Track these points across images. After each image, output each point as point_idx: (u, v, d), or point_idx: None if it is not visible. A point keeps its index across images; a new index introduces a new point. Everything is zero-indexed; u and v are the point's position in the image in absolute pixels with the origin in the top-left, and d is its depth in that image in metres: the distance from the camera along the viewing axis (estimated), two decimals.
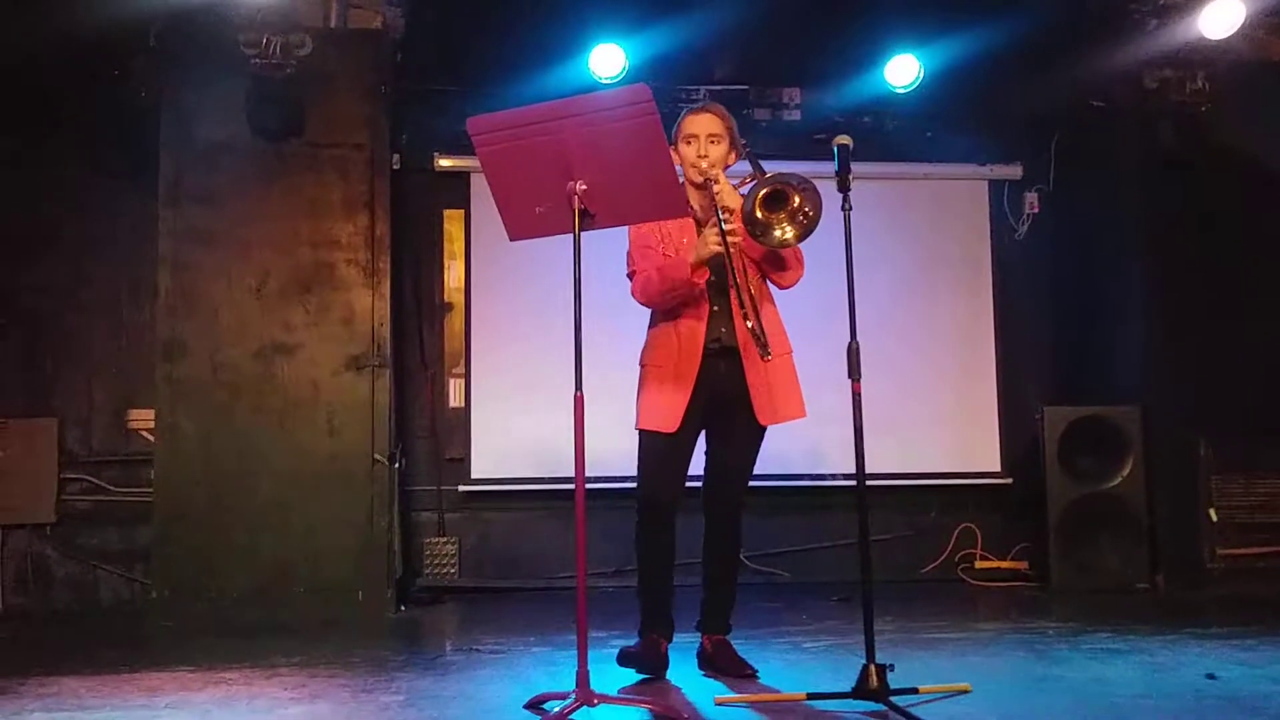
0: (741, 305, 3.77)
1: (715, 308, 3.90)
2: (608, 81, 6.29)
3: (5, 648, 5.24)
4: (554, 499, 6.39)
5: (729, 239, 3.69)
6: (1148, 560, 6.19)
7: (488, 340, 6.72)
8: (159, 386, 5.74)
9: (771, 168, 3.78)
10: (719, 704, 3.60)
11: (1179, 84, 6.18)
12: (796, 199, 3.63)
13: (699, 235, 3.84)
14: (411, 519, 6.56)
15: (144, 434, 6.17)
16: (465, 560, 6.66)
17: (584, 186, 3.45)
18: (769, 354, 3.77)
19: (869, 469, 3.66)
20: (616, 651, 4.08)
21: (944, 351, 6.99)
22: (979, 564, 6.84)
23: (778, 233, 3.66)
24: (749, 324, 3.76)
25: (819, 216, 3.62)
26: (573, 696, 3.32)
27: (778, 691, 3.74)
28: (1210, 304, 6.24)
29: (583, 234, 3.49)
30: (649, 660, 3.94)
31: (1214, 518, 6.16)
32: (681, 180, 3.79)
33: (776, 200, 3.64)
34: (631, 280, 4.01)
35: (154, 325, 5.88)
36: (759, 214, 3.64)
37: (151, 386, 5.85)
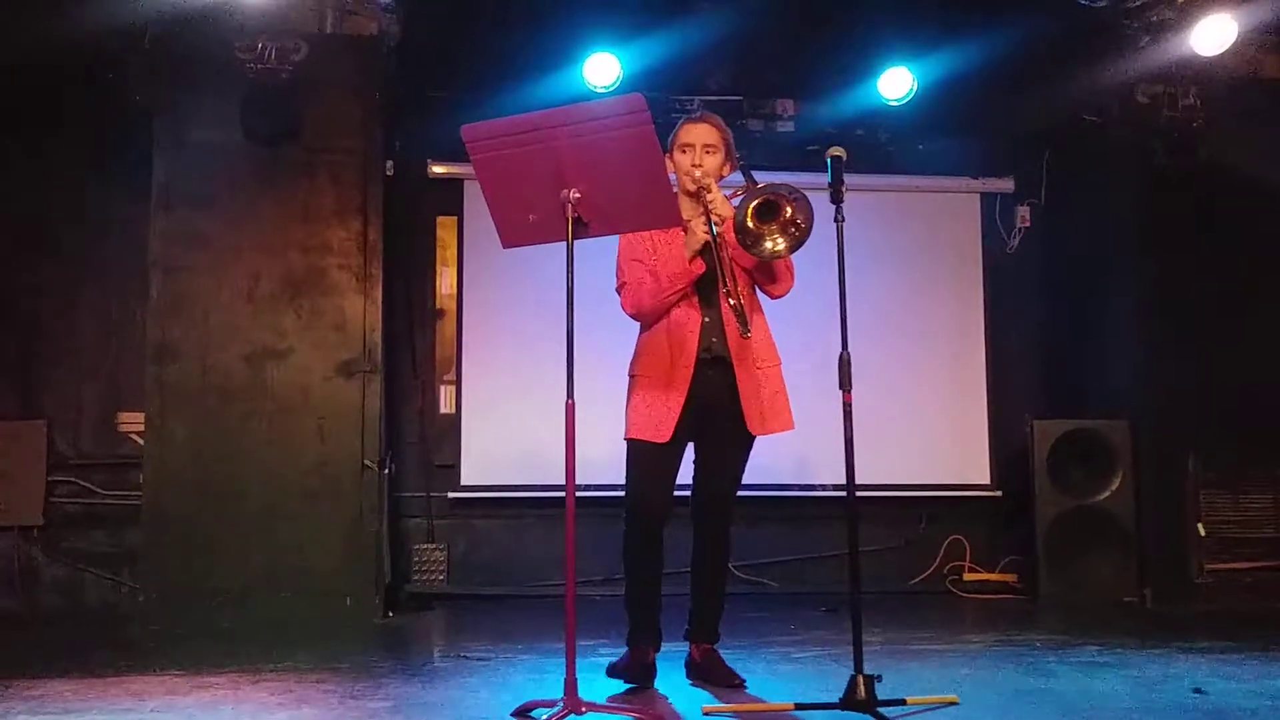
0: (725, 285, 3.77)
1: (706, 319, 3.90)
2: (602, 90, 6.31)
3: None
4: (543, 507, 6.38)
5: (717, 227, 3.70)
6: (1136, 574, 6.21)
7: (479, 347, 6.72)
8: (149, 389, 5.74)
9: (764, 179, 3.79)
10: (706, 713, 3.59)
11: (1171, 100, 6.22)
12: (789, 210, 3.64)
13: (687, 234, 3.84)
14: (401, 525, 6.54)
15: (133, 437, 6.15)
16: (454, 567, 6.64)
17: (578, 195, 3.46)
18: (749, 332, 3.78)
19: (859, 480, 3.67)
20: (604, 659, 4.10)
21: (934, 363, 7.01)
22: (967, 576, 6.85)
23: (769, 244, 3.66)
24: (731, 302, 3.77)
25: (811, 228, 3.63)
26: (560, 704, 3.32)
27: (765, 701, 3.74)
28: (1200, 319, 6.26)
29: (576, 242, 3.50)
30: (636, 671, 3.93)
31: (1202, 532, 6.18)
32: (674, 189, 3.79)
33: (769, 211, 3.65)
34: (620, 293, 4.00)
35: (145, 328, 5.86)
36: (751, 224, 3.64)
37: (141, 389, 5.84)
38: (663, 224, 3.69)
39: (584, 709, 3.33)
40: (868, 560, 5.76)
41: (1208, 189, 6.27)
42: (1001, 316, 7.17)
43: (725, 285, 3.77)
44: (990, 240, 7.20)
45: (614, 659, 4.08)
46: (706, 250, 3.80)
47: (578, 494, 3.49)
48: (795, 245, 3.66)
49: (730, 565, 4.33)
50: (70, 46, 5.65)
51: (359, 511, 5.73)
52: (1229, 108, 6.29)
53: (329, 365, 5.80)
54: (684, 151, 3.94)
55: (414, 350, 6.77)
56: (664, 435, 3.86)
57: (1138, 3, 5.99)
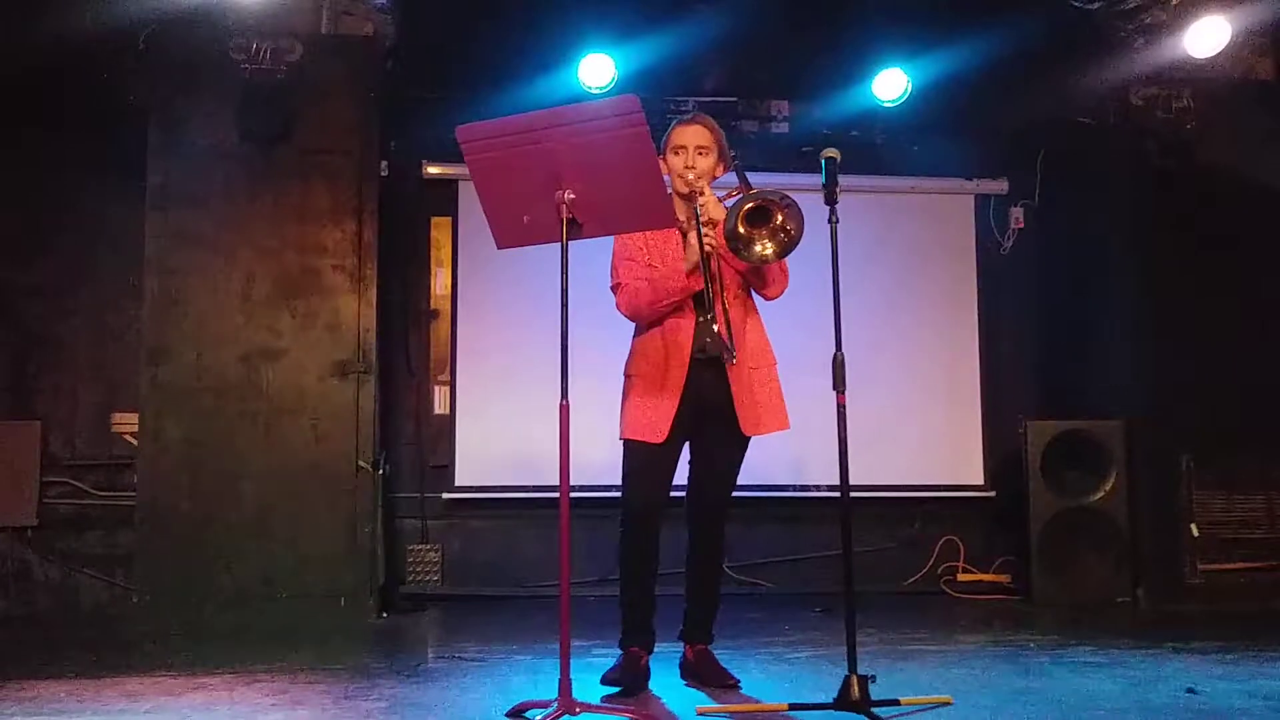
0: (710, 308, 3.80)
1: (700, 319, 3.91)
2: (597, 91, 6.31)
3: None
4: (537, 507, 6.38)
5: (708, 242, 3.73)
6: (1129, 574, 6.21)
7: (473, 348, 6.72)
8: (143, 390, 5.72)
9: (759, 180, 3.80)
10: (700, 714, 3.60)
11: (1165, 101, 6.25)
12: (779, 216, 3.65)
13: (684, 244, 3.86)
14: (395, 526, 6.53)
15: (128, 438, 6.13)
16: (448, 568, 6.65)
17: (572, 196, 3.47)
18: (734, 358, 3.81)
19: (853, 480, 3.68)
20: (599, 660, 4.10)
21: (929, 364, 7.02)
22: (961, 576, 6.86)
23: (758, 248, 3.68)
24: (714, 327, 3.80)
25: (800, 235, 3.65)
26: (555, 705, 3.33)
27: (759, 702, 3.75)
28: (1195, 321, 6.26)
29: (570, 243, 3.50)
30: (630, 676, 3.92)
31: (1195, 533, 6.19)
32: (668, 190, 3.80)
33: (759, 216, 3.67)
34: (616, 293, 4.01)
35: (139, 329, 5.86)
36: (741, 229, 3.65)
37: (136, 390, 5.83)
38: (657, 225, 3.71)
39: (578, 709, 3.33)
40: (862, 561, 5.75)
41: (1201, 191, 6.27)
42: (996, 317, 7.18)
43: (712, 308, 3.78)
44: (984, 241, 7.21)
45: (609, 662, 4.07)
46: (703, 260, 3.81)
47: (572, 495, 3.50)
48: (783, 252, 3.69)
49: (725, 565, 4.35)
50: (65, 47, 5.64)
51: (353, 512, 5.72)
52: (1223, 110, 6.31)
53: (323, 366, 5.79)
54: (677, 153, 3.95)
55: (408, 351, 6.77)
56: (659, 436, 3.87)
57: (1131, 5, 6.02)
